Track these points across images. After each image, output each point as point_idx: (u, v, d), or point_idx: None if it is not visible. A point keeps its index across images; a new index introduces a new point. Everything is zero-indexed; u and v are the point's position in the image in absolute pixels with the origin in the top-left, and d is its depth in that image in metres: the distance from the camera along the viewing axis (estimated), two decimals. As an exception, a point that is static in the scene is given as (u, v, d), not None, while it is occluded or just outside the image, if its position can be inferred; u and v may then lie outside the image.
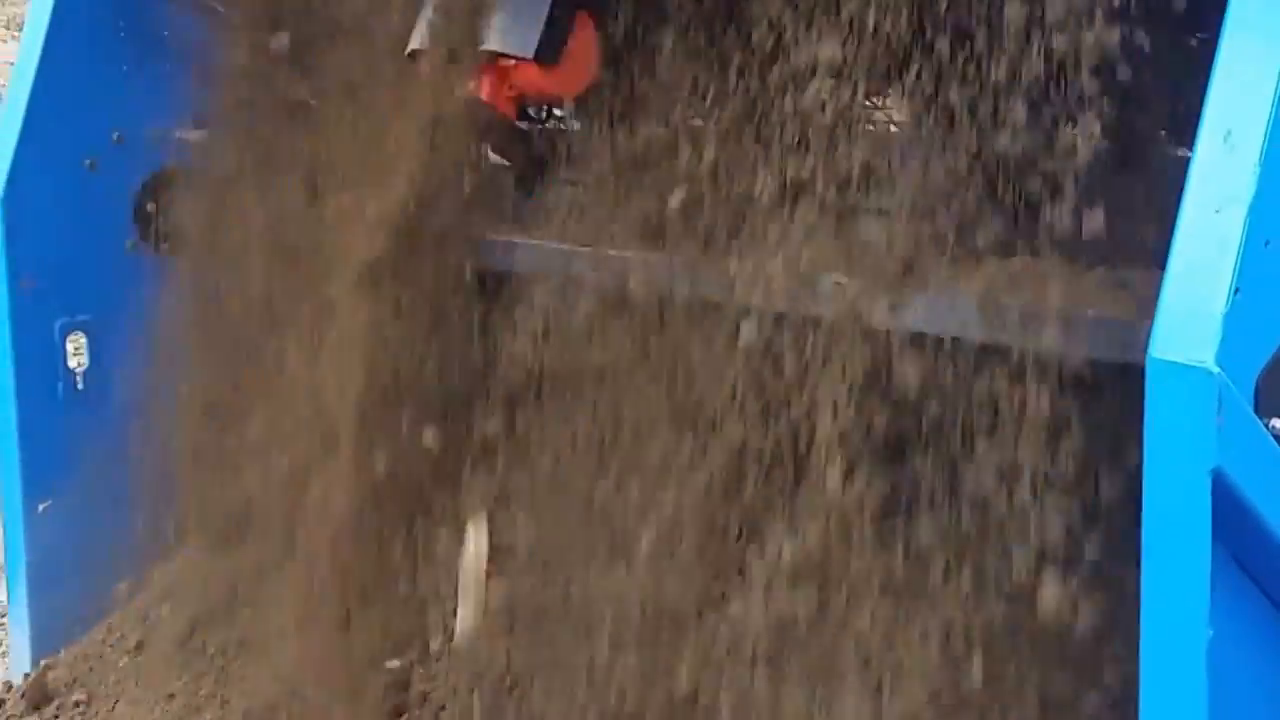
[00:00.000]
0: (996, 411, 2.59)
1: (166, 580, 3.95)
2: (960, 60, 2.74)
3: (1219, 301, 2.10)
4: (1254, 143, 2.12)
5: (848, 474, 2.77)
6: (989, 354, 2.60)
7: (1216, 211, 2.12)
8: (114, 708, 3.70)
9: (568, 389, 3.23)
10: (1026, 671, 2.75)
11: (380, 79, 3.36)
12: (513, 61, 3.07)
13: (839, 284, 2.80)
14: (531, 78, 3.08)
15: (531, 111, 3.27)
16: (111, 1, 3.81)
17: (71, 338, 3.89)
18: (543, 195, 3.35)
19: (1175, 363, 2.10)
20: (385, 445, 3.30)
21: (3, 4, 10.72)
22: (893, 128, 3.14)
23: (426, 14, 3.12)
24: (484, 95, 3.08)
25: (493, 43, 3.06)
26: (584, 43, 3.09)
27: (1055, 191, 2.70)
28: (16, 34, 10.07)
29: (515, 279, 3.32)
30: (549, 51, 3.05)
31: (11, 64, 8.38)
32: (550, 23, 3.05)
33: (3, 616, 4.66)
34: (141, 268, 3.94)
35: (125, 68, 3.86)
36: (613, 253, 3.17)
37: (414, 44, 3.17)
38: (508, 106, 3.11)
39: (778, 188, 2.92)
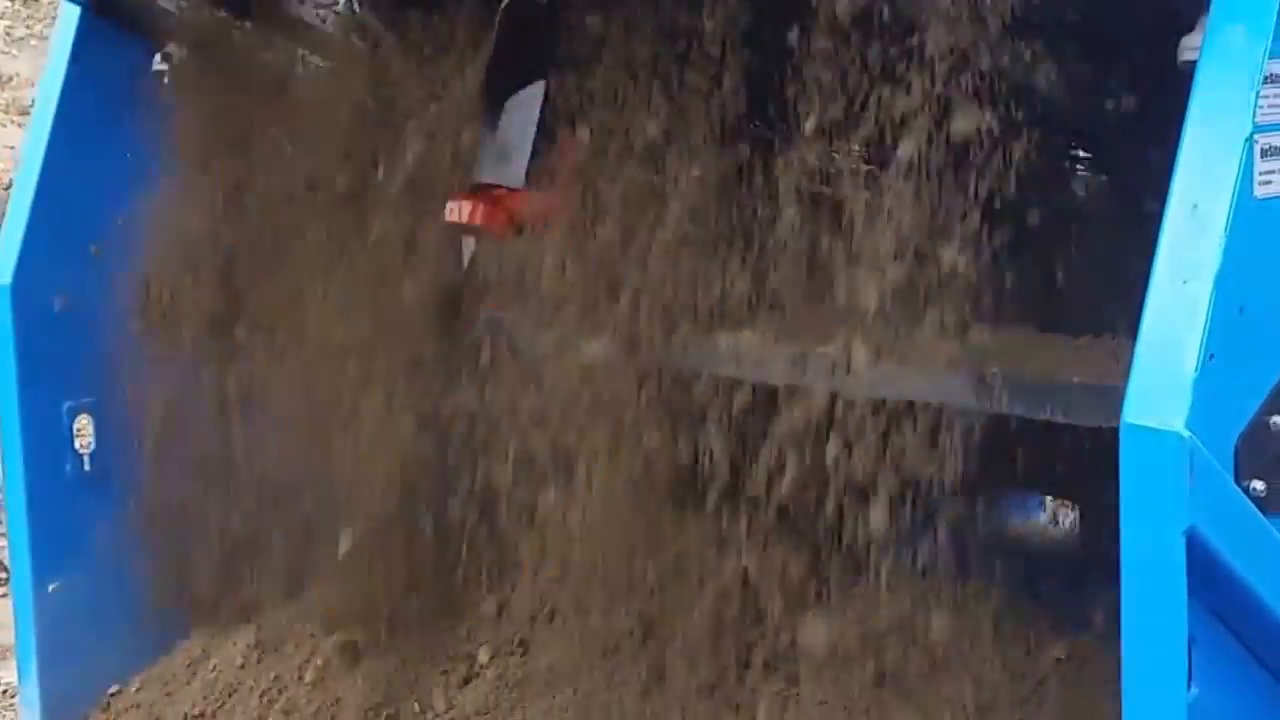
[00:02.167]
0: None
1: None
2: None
3: (1189, 368, 2.18)
4: (1220, 215, 2.21)
5: None
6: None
7: (1185, 282, 2.21)
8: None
9: None
10: None
11: None
12: (504, 190, 3.21)
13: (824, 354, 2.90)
14: (523, 203, 3.23)
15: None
16: (116, 93, 3.89)
17: (78, 420, 3.95)
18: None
19: (1147, 428, 2.18)
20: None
21: (2, 88, 10.84)
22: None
23: (490, 150, 3.23)
24: (478, 221, 3.20)
25: (486, 175, 3.21)
26: (570, 163, 3.21)
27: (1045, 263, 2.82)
28: (16, 118, 10.17)
29: None
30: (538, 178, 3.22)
31: (12, 148, 8.47)
32: (536, 151, 3.18)
33: (13, 696, 4.74)
34: (144, 350, 4.00)
35: (129, 156, 3.94)
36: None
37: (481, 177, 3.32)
38: (502, 230, 3.24)
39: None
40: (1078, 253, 2.87)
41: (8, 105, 10.41)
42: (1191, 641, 2.26)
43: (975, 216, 2.81)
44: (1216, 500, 2.21)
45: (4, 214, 7.67)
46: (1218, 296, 2.21)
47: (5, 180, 8.32)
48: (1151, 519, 2.19)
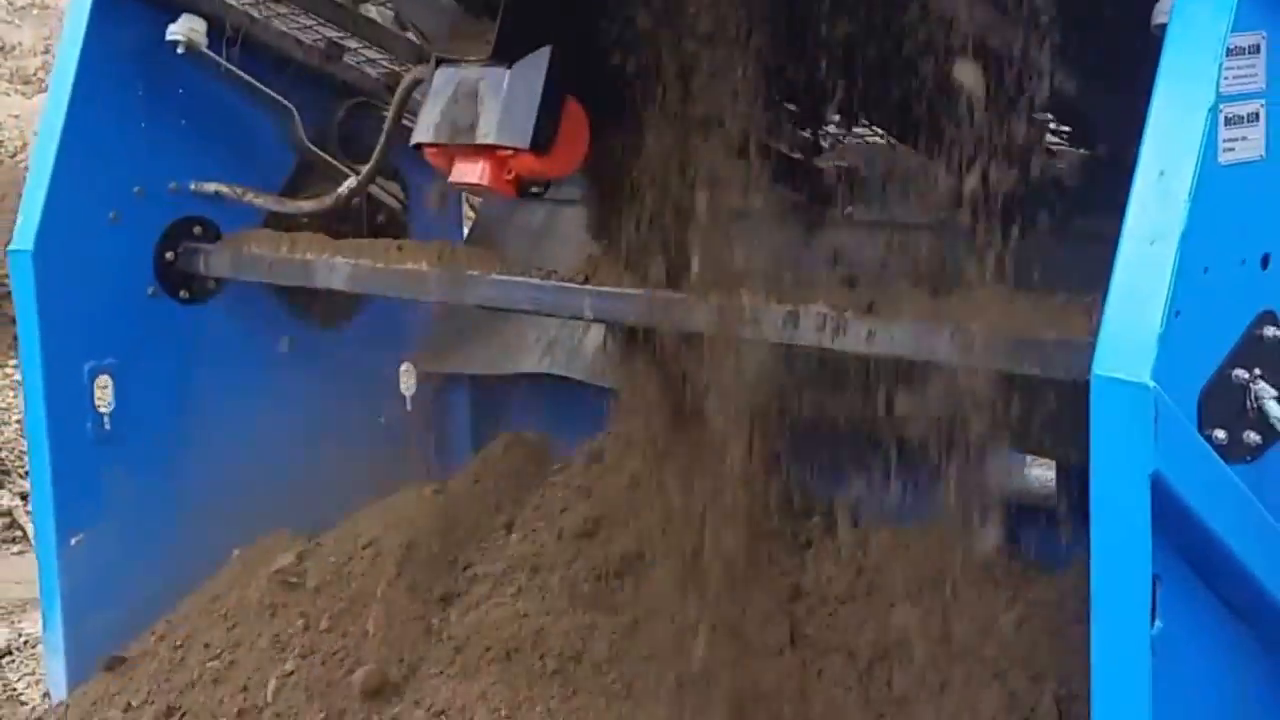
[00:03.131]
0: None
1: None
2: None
3: (1155, 324, 2.32)
4: (1184, 180, 2.35)
5: None
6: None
7: (1151, 243, 2.35)
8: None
9: None
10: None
11: None
12: (510, 151, 3.29)
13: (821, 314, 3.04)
14: (528, 164, 3.30)
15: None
16: (131, 63, 4.02)
17: (99, 381, 4.09)
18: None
19: (1116, 379, 2.33)
20: None
21: (6, 58, 10.93)
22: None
23: (431, 109, 3.33)
24: (484, 181, 3.31)
25: (490, 136, 3.28)
26: (573, 127, 3.32)
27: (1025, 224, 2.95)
28: (20, 87, 10.25)
29: None
30: (543, 140, 3.27)
31: (16, 116, 8.56)
32: (541, 112, 3.26)
33: (33, 646, 4.89)
34: (161, 313, 4.16)
35: (144, 125, 4.07)
36: (614, 289, 3.43)
37: (420, 137, 3.40)
38: (507, 189, 3.34)
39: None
40: (1055, 215, 3.00)
41: (11, 74, 10.50)
42: (1157, 579, 2.40)
43: (960, 182, 2.96)
44: (1180, 447, 2.35)
45: (11, 180, 7.82)
46: (1183, 257, 2.35)
47: (11, 148, 8.43)
48: (1119, 464, 2.34)
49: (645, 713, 3.32)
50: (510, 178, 3.33)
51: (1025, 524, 3.24)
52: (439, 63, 3.39)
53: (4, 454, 6.43)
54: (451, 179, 3.39)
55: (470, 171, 3.34)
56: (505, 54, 3.28)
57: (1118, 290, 2.36)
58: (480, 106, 3.32)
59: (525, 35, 3.28)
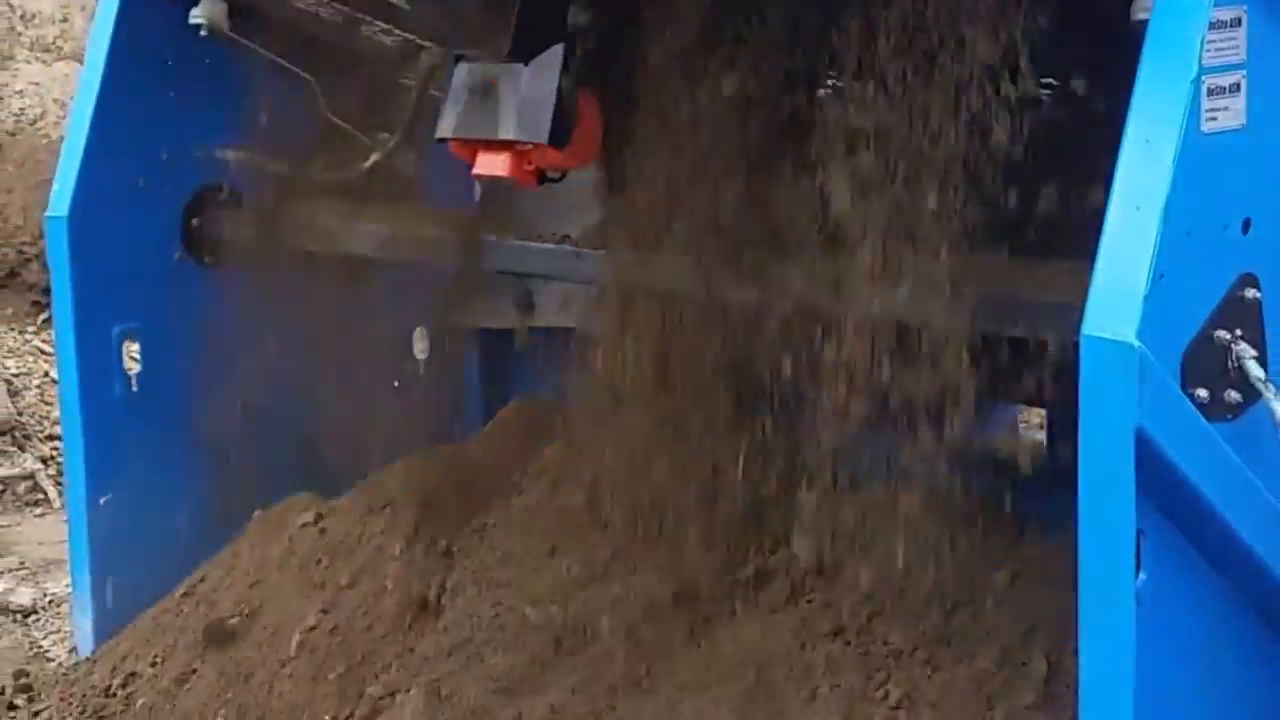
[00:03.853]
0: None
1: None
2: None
3: (1140, 286, 2.44)
4: (1169, 148, 2.46)
5: None
6: None
7: (1137, 208, 2.46)
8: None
9: None
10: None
11: None
12: (529, 145, 3.44)
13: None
14: (547, 157, 3.48)
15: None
16: (160, 35, 4.13)
17: (127, 343, 4.20)
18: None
19: (1103, 338, 2.45)
20: None
21: (27, 26, 11.01)
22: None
23: (453, 105, 3.47)
24: (507, 173, 3.46)
25: (510, 132, 3.44)
26: (589, 120, 3.48)
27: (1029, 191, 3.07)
28: (40, 55, 10.32)
29: None
30: (560, 134, 3.44)
31: (37, 84, 8.65)
32: (558, 108, 3.41)
33: (58, 605, 5.02)
34: (187, 278, 4.28)
35: (172, 94, 4.18)
36: (624, 253, 3.55)
37: (444, 133, 3.55)
38: (528, 179, 3.50)
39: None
40: (1049, 184, 3.10)
41: (31, 43, 10.59)
42: (1140, 534, 2.53)
43: (959, 151, 3.07)
44: (1163, 404, 2.47)
45: (31, 148, 7.91)
46: (1167, 222, 2.46)
47: (31, 115, 8.51)
48: (1105, 419, 2.46)
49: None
50: (530, 169, 3.50)
51: (1017, 484, 3.34)
52: (456, 58, 3.54)
53: (26, 419, 6.53)
54: (475, 170, 3.57)
55: (493, 164, 3.52)
56: (521, 52, 3.44)
57: (1105, 254, 2.47)
58: (499, 103, 3.48)
59: (540, 32, 3.43)
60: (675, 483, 3.48)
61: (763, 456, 3.45)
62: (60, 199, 4.08)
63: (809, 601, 3.39)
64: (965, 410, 2.96)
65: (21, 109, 7.94)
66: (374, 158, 4.09)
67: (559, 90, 3.42)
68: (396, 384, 4.64)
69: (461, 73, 3.54)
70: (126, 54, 4.10)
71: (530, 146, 3.46)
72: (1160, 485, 2.52)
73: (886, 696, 3.15)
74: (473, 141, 3.53)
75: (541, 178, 3.55)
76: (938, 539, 3.17)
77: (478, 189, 4.75)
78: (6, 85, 8.00)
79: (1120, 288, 2.45)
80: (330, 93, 4.28)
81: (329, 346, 4.46)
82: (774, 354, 3.24)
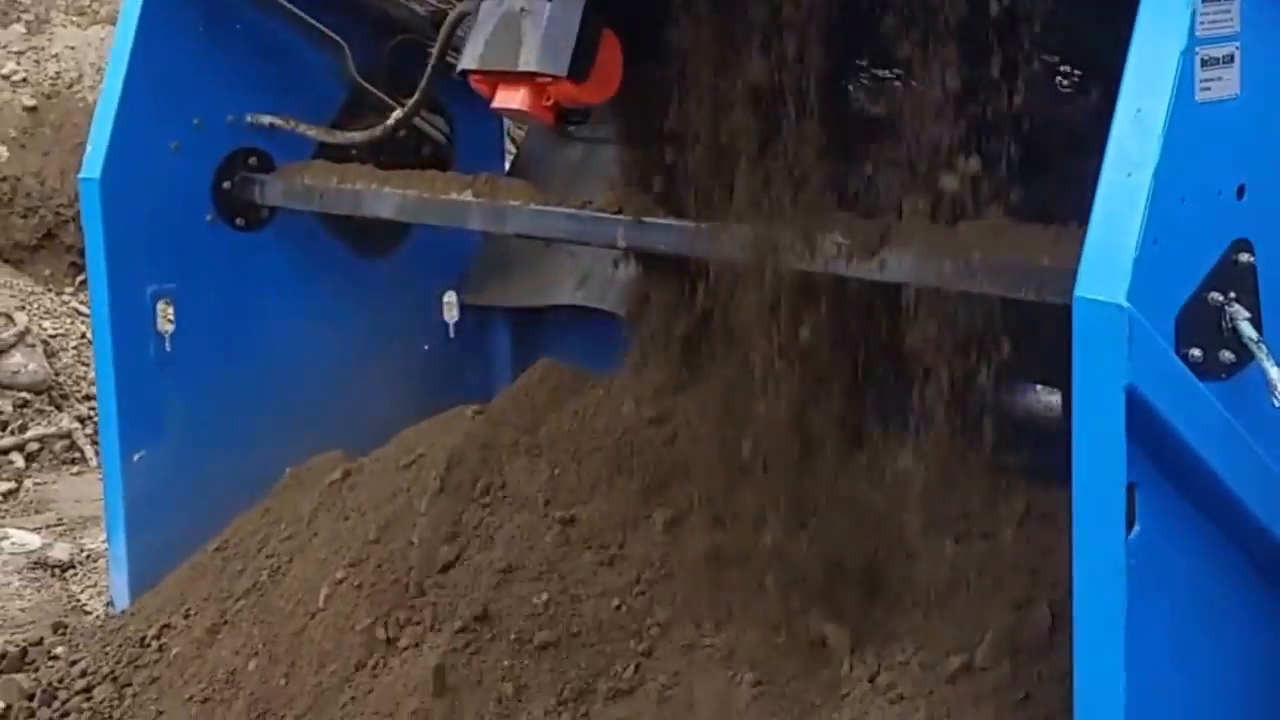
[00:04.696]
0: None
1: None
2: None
3: (1130, 249, 2.52)
4: (1159, 117, 2.54)
5: None
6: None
7: (1128, 175, 2.55)
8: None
9: None
10: None
11: None
12: (549, 78, 3.51)
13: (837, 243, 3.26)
14: (565, 91, 3.53)
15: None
16: (191, 1, 4.24)
17: (161, 304, 4.30)
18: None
19: (1094, 300, 2.53)
20: None
21: (61, -10, 11.06)
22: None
23: (476, 39, 3.55)
24: (524, 106, 3.53)
25: (530, 63, 3.50)
26: (608, 57, 3.54)
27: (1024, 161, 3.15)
28: (75, 19, 10.41)
29: None
30: (580, 68, 3.50)
31: (72, 48, 8.74)
32: (579, 42, 3.48)
33: (95, 560, 5.14)
34: (219, 240, 4.38)
35: (204, 60, 4.27)
36: (645, 219, 3.65)
37: (466, 65, 3.62)
38: (545, 115, 3.56)
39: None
40: (1052, 151, 3.19)
41: (67, 6, 10.68)
42: (1135, 487, 2.61)
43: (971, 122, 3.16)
44: (1154, 363, 2.55)
45: (67, 110, 7.99)
46: (1158, 187, 2.54)
47: (67, 79, 8.59)
48: (1096, 378, 2.54)
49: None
50: (549, 104, 3.56)
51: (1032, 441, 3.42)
52: None
53: (63, 379, 6.63)
54: (494, 104, 3.62)
55: (511, 98, 3.57)
56: None
57: (1097, 219, 2.56)
58: (522, 36, 3.54)
59: None
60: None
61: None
62: (93, 161, 4.17)
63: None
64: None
65: (58, 72, 8.01)
66: (396, 115, 4.15)
67: (581, 25, 3.48)
68: (426, 347, 4.74)
69: (486, 8, 3.61)
70: (159, 18, 4.19)
71: (549, 80, 3.52)
72: (1153, 441, 2.61)
73: None
74: (493, 74, 3.59)
75: (560, 115, 3.61)
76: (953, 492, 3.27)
77: (507, 157, 4.89)
78: (43, 49, 8.09)
79: (1111, 251, 2.53)
80: (361, 58, 4.38)
81: (358, 310, 4.57)
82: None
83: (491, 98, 3.61)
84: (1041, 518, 3.37)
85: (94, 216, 4.20)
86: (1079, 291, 2.55)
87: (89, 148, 4.20)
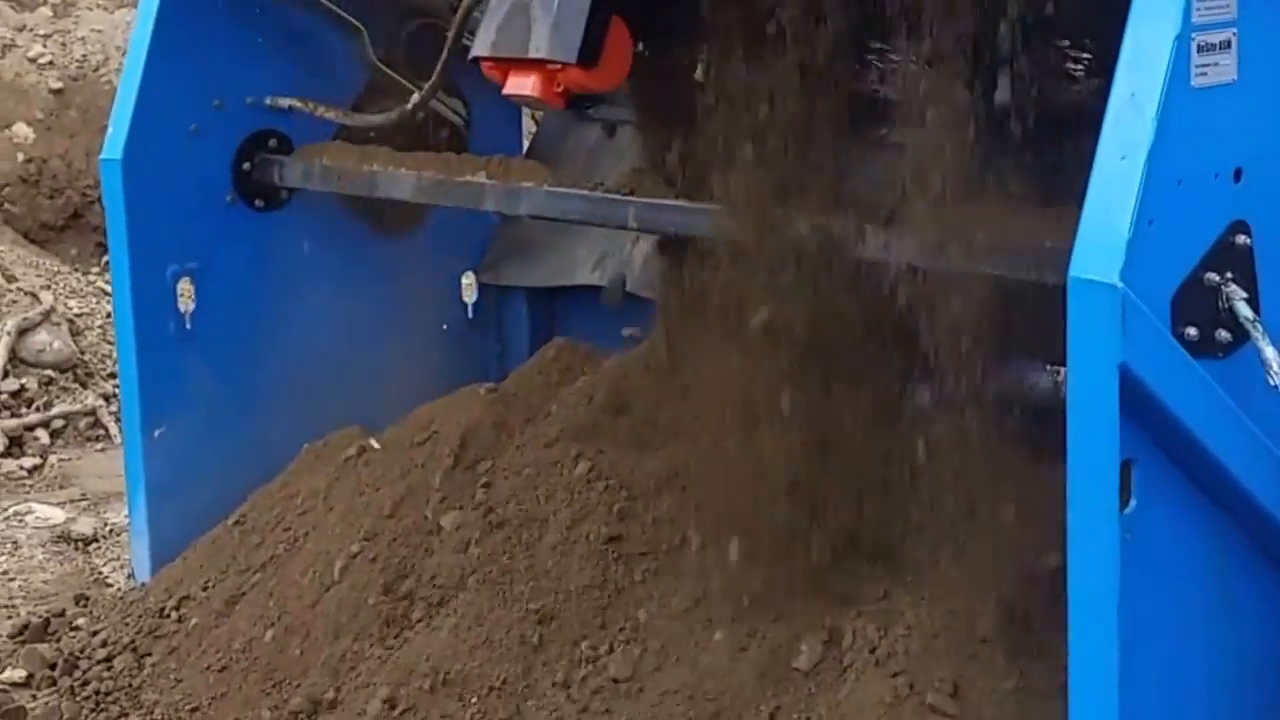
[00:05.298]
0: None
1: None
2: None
3: (1124, 230, 2.58)
4: (1153, 101, 2.60)
5: None
6: None
7: (1123, 158, 2.60)
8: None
9: None
10: None
11: None
12: (559, 65, 3.57)
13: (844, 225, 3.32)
14: (575, 77, 3.59)
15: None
16: (213, -15, 4.30)
17: (181, 283, 4.35)
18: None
19: (1088, 280, 2.59)
20: None
21: (89, -26, 11.13)
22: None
23: (488, 25, 3.61)
24: (535, 93, 3.59)
25: (540, 50, 3.57)
26: (618, 43, 3.60)
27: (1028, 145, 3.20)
28: (101, 2, 10.48)
29: None
30: (589, 55, 3.56)
31: (99, 31, 8.80)
32: (588, 29, 3.54)
33: (118, 535, 5.21)
34: (239, 220, 4.43)
35: (224, 42, 4.32)
36: (655, 200, 3.71)
37: (477, 51, 3.68)
38: (556, 101, 3.62)
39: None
40: (1054, 136, 3.24)
41: (97, -10, 10.75)
42: (1132, 462, 2.67)
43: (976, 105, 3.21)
44: (1147, 341, 2.61)
45: (94, 94, 8.05)
46: (1152, 170, 2.60)
47: (94, 62, 8.66)
48: (1090, 356, 2.60)
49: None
50: (559, 90, 3.62)
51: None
52: None
53: (88, 356, 6.70)
54: (505, 90, 3.68)
55: (522, 84, 3.64)
56: None
57: (1092, 201, 2.62)
58: (532, 23, 3.60)
59: None
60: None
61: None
62: (115, 142, 4.23)
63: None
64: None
65: (84, 55, 8.08)
66: (414, 99, 4.21)
67: (591, 11, 3.54)
68: (445, 326, 4.80)
69: None
70: (179, 1, 4.23)
71: (559, 66, 3.58)
72: (1149, 419, 2.67)
73: None
74: (505, 61, 3.65)
75: (570, 100, 3.67)
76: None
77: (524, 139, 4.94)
78: (70, 32, 8.16)
79: (1105, 232, 2.59)
80: (380, 42, 4.43)
81: (377, 289, 4.63)
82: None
83: (503, 84, 3.67)
84: (1046, 493, 3.41)
85: (115, 197, 4.25)
86: (1073, 271, 2.60)
87: (110, 129, 4.26)
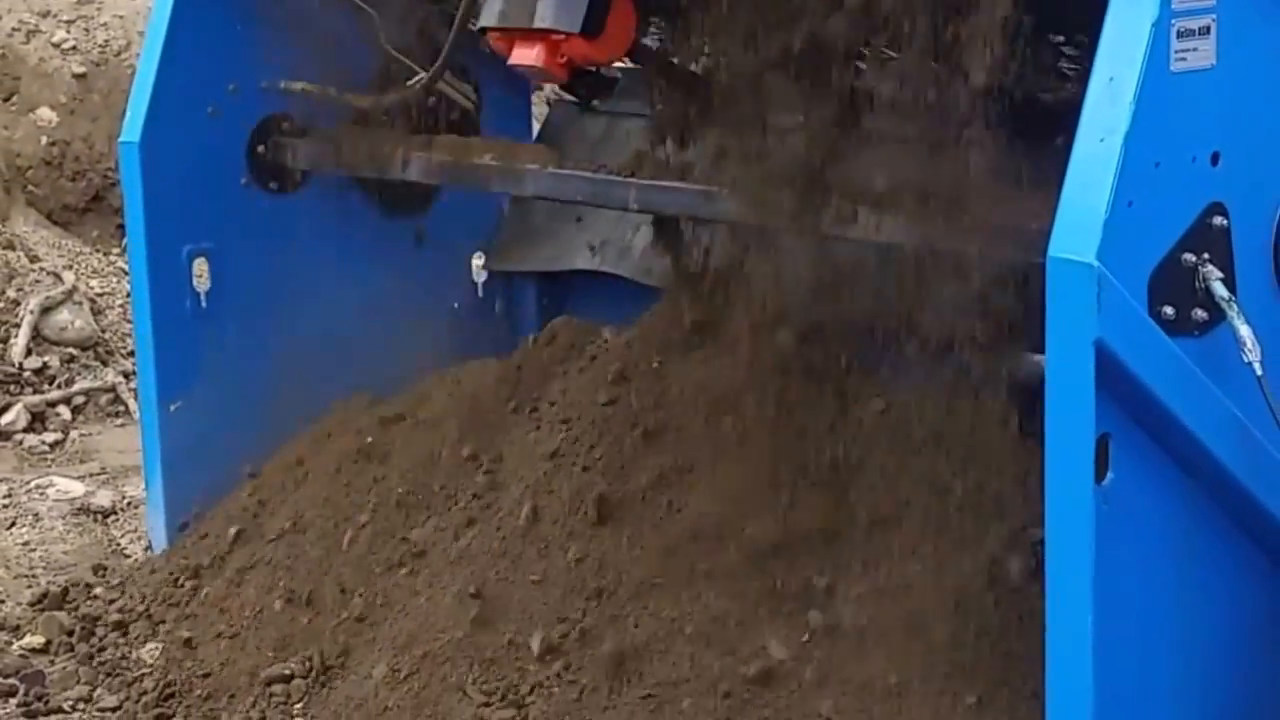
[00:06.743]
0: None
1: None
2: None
3: (1100, 211, 2.66)
4: (1130, 85, 2.68)
5: None
6: None
7: (1101, 140, 2.68)
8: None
9: None
10: None
11: None
12: (563, 35, 3.64)
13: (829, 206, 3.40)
14: (579, 48, 3.67)
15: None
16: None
17: (197, 263, 4.44)
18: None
19: (1065, 259, 2.67)
20: None
21: (110, -41, 11.18)
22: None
23: None
24: (539, 63, 3.67)
25: (545, 20, 3.64)
26: (622, 14, 3.68)
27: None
28: (123, -15, 10.52)
29: None
30: (593, 25, 3.63)
31: (120, 16, 8.87)
32: (592, 1, 3.62)
33: (136, 507, 5.31)
34: (253, 202, 4.52)
35: (239, 27, 4.40)
36: (656, 182, 3.79)
37: (484, 22, 3.75)
38: (560, 72, 3.71)
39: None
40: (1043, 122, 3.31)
41: (116, -26, 10.83)
42: (1109, 436, 2.76)
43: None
44: (1123, 319, 2.70)
45: (115, 78, 8.13)
46: (1130, 152, 2.68)
47: (115, 47, 8.74)
48: (1067, 333, 2.69)
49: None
50: (563, 61, 3.70)
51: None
52: None
53: (109, 335, 6.78)
54: (510, 61, 3.76)
55: (527, 54, 3.72)
56: None
57: (1070, 182, 2.70)
58: None
59: None
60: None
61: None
62: (132, 126, 4.32)
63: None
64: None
65: (106, 40, 8.15)
66: (420, 78, 4.28)
67: None
68: (456, 306, 4.89)
69: None
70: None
71: (563, 37, 3.65)
72: (1124, 393, 2.75)
73: None
74: (510, 32, 3.73)
75: (574, 71, 3.75)
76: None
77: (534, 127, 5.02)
78: (92, 18, 8.23)
79: (1082, 213, 2.68)
80: (393, 27, 4.51)
81: (389, 269, 4.71)
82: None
83: (509, 55, 3.74)
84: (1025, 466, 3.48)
85: (133, 179, 4.34)
86: (1052, 251, 2.69)
87: (128, 113, 4.35)
